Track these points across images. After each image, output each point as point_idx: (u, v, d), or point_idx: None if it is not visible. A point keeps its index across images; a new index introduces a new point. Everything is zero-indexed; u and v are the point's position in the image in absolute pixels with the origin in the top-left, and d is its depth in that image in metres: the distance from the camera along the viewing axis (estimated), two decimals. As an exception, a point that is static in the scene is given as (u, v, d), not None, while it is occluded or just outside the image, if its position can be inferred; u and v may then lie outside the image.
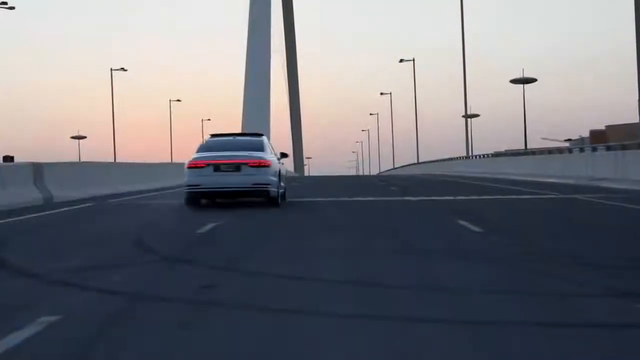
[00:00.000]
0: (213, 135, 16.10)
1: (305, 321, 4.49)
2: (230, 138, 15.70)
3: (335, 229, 10.45)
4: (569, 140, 69.14)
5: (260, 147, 14.78)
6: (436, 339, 4.00)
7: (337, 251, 7.72)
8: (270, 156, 14.71)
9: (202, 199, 14.46)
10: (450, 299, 5.13)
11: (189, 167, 14.08)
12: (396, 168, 75.22)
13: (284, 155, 16.43)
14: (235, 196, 14.65)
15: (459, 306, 4.87)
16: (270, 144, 15.81)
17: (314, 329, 4.27)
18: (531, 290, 5.40)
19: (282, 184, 15.16)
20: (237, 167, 14.00)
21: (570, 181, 23.72)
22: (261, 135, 16.09)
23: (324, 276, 6.08)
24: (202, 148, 14.88)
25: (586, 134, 67.46)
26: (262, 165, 14.09)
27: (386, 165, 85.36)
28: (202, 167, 13.96)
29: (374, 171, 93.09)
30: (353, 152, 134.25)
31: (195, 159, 14.21)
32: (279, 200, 14.60)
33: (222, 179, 13.96)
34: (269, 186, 14.06)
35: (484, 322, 4.41)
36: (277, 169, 14.70)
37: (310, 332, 4.17)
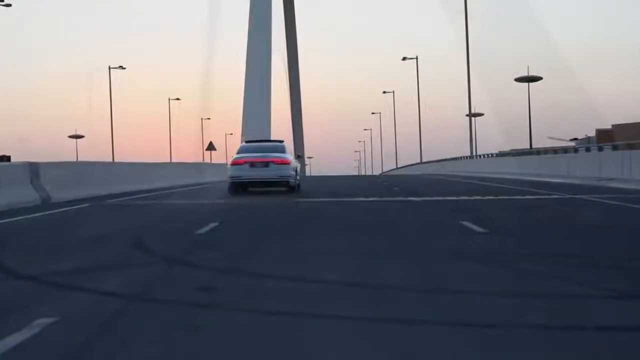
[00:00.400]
0: (247, 142, 22.50)
1: (305, 323, 4.44)
2: (260, 143, 21.64)
3: (336, 229, 10.44)
4: (575, 139, 68.77)
5: (283, 150, 20.16)
6: (437, 341, 3.95)
7: (338, 252, 7.67)
8: (290, 157, 20.09)
9: (240, 189, 19.40)
10: (452, 301, 5.07)
11: (233, 164, 19.44)
12: (399, 168, 75.00)
13: (299, 156, 23.23)
14: (264, 185, 19.61)
15: (460, 308, 4.81)
16: (288, 147, 21.17)
17: (314, 330, 4.23)
18: (535, 292, 5.34)
19: (297, 177, 20.46)
20: (266, 164, 19.18)
21: (577, 181, 23.52)
22: (282, 141, 21.74)
23: (324, 277, 6.03)
24: (240, 150, 20.26)
25: (592, 133, 67.07)
26: (284, 163, 19.40)
27: (389, 165, 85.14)
28: (242, 163, 19.26)
29: (377, 171, 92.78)
30: (356, 151, 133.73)
31: (236, 158, 19.59)
32: (296, 189, 19.80)
33: (256, 172, 19.21)
34: (289, 178, 19.39)
35: (484, 324, 4.34)
36: (295, 166, 20.22)
37: (310, 334, 4.13)
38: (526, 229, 10.22)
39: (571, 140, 68.93)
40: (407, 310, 4.73)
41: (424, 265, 6.68)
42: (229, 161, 20.33)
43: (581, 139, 67.30)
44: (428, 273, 6.25)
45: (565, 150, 31.76)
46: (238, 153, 19.99)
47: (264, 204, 15.79)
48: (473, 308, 4.77)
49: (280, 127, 69.73)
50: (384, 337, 4.05)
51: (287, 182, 19.34)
